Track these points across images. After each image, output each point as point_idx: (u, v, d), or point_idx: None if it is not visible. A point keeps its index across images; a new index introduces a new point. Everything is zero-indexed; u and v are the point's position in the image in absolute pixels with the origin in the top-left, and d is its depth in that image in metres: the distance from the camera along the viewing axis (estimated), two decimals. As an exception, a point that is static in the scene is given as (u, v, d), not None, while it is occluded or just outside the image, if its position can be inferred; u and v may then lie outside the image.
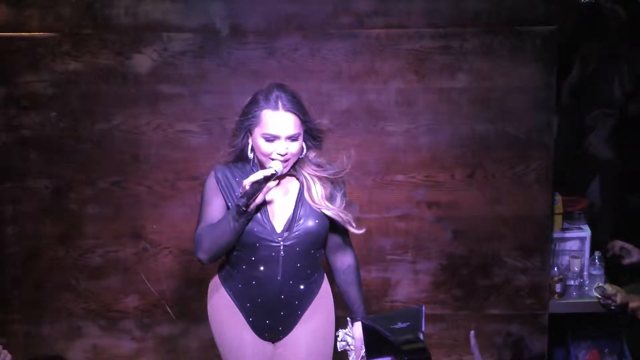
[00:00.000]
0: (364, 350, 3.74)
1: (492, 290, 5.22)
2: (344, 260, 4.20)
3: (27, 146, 5.09)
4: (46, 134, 5.06)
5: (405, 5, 4.89)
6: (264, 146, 3.88)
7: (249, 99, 3.98)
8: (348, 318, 4.21)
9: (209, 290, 4.26)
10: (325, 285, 4.24)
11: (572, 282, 5.40)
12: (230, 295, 4.13)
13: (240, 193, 3.85)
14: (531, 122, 4.98)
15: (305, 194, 4.01)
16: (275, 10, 4.91)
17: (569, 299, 5.38)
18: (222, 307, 4.17)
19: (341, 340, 4.15)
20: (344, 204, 4.04)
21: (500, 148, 5.02)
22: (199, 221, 4.06)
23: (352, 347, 4.14)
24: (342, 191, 4.08)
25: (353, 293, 4.22)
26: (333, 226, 4.08)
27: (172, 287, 5.26)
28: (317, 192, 4.00)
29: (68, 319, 5.30)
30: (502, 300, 5.22)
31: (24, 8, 4.93)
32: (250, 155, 3.99)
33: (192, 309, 5.26)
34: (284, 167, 3.90)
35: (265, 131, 3.87)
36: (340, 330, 4.18)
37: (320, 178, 4.01)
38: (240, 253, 4.02)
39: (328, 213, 3.99)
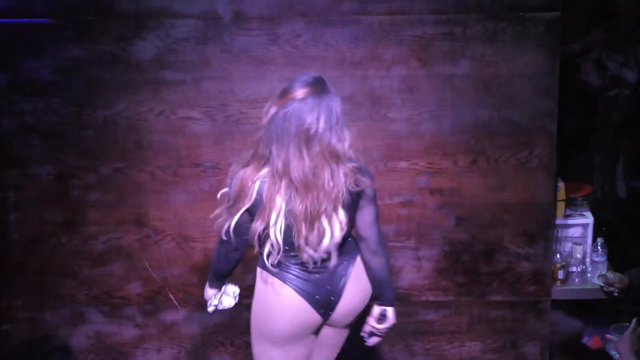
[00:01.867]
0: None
1: (495, 277, 5.22)
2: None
3: (30, 133, 5.09)
4: (49, 121, 5.06)
5: (408, -9, 4.90)
6: None
7: (327, 107, 3.79)
8: None
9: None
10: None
11: (574, 269, 5.43)
12: None
13: None
14: (534, 109, 4.97)
15: None
16: (278, -3, 4.93)
17: (571, 286, 5.41)
18: None
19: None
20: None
21: (503, 134, 5.01)
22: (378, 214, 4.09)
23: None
24: None
25: None
26: None
27: (174, 274, 5.27)
28: None
29: (71, 305, 5.31)
30: (505, 286, 5.23)
31: (27, -6, 4.95)
32: None
33: (195, 295, 5.27)
34: None
35: None
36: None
37: None
38: None
39: None
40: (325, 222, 3.86)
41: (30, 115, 5.06)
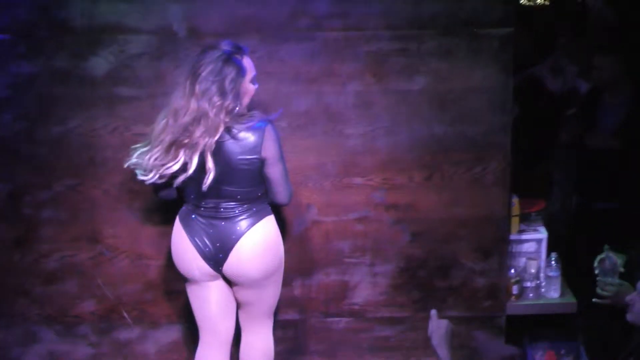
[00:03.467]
0: None
1: (450, 292, 5.24)
2: None
3: (-19, 149, 5.04)
4: (1, 137, 5.01)
5: (363, 7, 4.90)
6: (252, 87, 4.48)
7: (226, 61, 4.31)
8: None
9: (274, 229, 4.63)
10: None
11: (528, 284, 5.43)
12: None
13: None
14: (489, 124, 5.00)
15: None
16: (232, 13, 4.90)
17: (525, 301, 5.41)
18: None
19: None
20: None
21: (458, 150, 5.04)
22: (286, 171, 4.54)
23: None
24: None
25: None
26: None
27: (128, 292, 5.23)
28: None
29: (23, 324, 5.25)
30: (460, 302, 5.24)
31: (-22, 10, 4.90)
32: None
33: (150, 313, 5.25)
34: None
35: (253, 73, 4.47)
36: None
37: None
38: None
39: None
40: (190, 157, 4.32)
41: (-18, 131, 5.02)
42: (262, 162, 4.41)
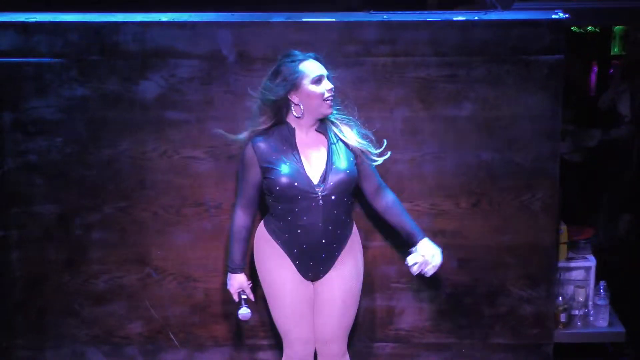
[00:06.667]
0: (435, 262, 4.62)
1: (497, 320, 5.21)
2: (386, 200, 4.74)
3: (33, 171, 5.09)
4: (52, 160, 5.07)
5: (412, 33, 4.91)
6: (317, 89, 4.50)
7: (275, 70, 4.53)
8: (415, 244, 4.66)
9: (256, 241, 4.76)
10: (355, 230, 4.79)
11: (576, 312, 5.40)
12: (279, 244, 4.65)
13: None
14: (537, 151, 4.98)
15: (341, 137, 4.64)
16: (282, 37, 4.93)
17: (573, 329, 5.38)
18: (273, 254, 4.68)
19: (413, 265, 4.61)
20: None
21: (506, 177, 5.02)
22: (238, 194, 4.72)
23: (427, 265, 4.63)
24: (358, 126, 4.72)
25: (407, 220, 4.72)
26: (365, 174, 4.69)
27: (176, 314, 5.25)
28: (347, 131, 4.65)
29: (72, 344, 5.29)
30: (507, 329, 5.21)
31: (32, 34, 4.95)
32: (295, 114, 4.57)
33: (196, 336, 5.26)
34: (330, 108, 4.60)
35: (314, 75, 4.50)
36: (408, 258, 4.62)
37: (341, 121, 4.68)
38: (284, 206, 4.57)
39: (359, 146, 4.63)
40: None
41: (34, 154, 5.07)
42: None
